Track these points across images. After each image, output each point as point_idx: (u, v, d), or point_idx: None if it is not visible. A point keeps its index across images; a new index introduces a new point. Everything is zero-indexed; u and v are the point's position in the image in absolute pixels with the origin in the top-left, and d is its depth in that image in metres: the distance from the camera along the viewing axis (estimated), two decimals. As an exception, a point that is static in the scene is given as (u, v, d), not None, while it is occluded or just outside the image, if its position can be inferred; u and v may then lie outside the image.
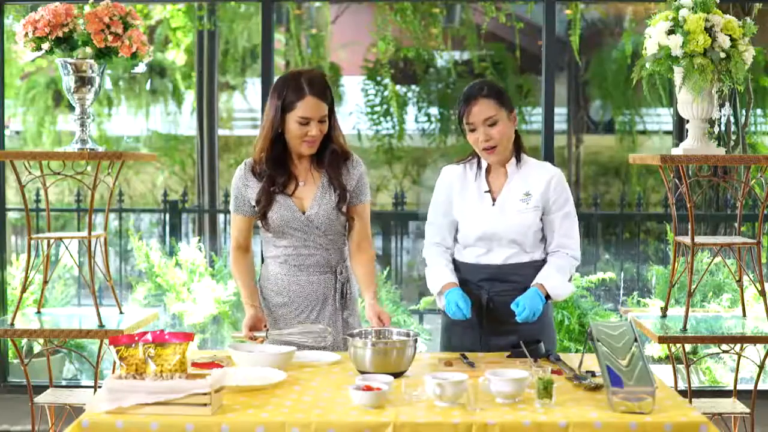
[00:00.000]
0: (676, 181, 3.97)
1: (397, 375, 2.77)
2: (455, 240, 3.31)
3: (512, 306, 3.06)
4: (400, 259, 6.79)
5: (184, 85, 8.44)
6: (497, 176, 3.24)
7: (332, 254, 3.23)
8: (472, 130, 3.14)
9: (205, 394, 2.39)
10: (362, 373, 2.76)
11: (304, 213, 3.17)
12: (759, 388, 3.90)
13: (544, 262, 3.23)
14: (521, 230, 3.17)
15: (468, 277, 3.24)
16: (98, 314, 3.61)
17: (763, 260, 4.59)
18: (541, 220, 3.21)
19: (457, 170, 3.30)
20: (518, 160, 3.22)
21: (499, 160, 3.20)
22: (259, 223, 3.24)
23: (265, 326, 3.17)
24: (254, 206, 3.20)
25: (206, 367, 2.80)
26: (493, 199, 3.21)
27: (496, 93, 3.14)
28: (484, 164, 3.25)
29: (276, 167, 3.18)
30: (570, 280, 3.24)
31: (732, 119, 5.59)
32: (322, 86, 3.13)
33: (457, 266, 3.28)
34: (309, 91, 3.10)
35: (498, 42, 8.39)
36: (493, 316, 3.18)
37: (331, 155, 3.20)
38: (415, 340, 2.85)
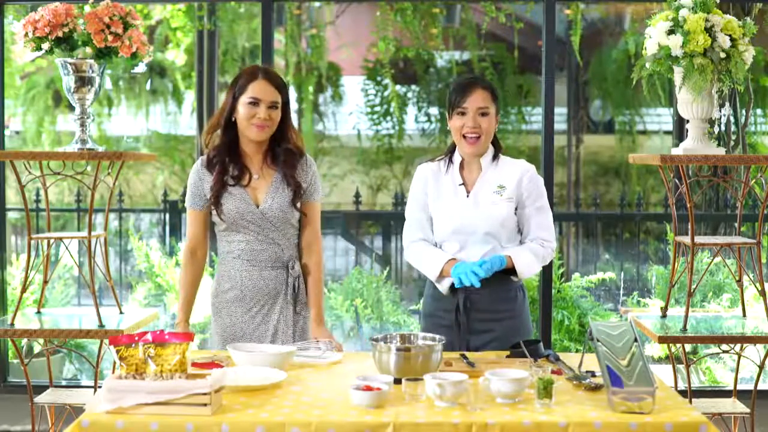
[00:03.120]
0: (676, 181, 3.97)
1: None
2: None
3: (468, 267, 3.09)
4: (400, 259, 6.78)
5: (184, 85, 8.44)
6: (471, 170, 3.30)
7: (285, 250, 3.26)
8: (462, 114, 3.19)
9: (205, 394, 2.39)
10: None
11: (258, 206, 3.21)
12: (759, 388, 3.90)
13: None
14: (496, 222, 3.20)
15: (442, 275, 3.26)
16: (98, 314, 3.61)
17: (763, 260, 4.59)
18: (516, 214, 3.25)
19: (431, 167, 3.35)
20: (494, 157, 3.29)
21: (475, 153, 3.25)
22: (214, 217, 3.25)
23: None
24: (209, 198, 3.23)
25: (206, 367, 2.81)
26: (468, 192, 3.26)
27: (491, 88, 3.24)
28: (457, 160, 3.30)
29: (229, 156, 3.22)
30: (540, 264, 3.26)
31: (732, 119, 5.59)
32: (275, 76, 3.23)
33: None
34: (261, 75, 3.19)
35: (498, 42, 8.39)
36: (471, 315, 3.21)
37: (286, 153, 3.26)
38: (442, 345, 2.80)
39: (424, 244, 3.31)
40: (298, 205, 3.25)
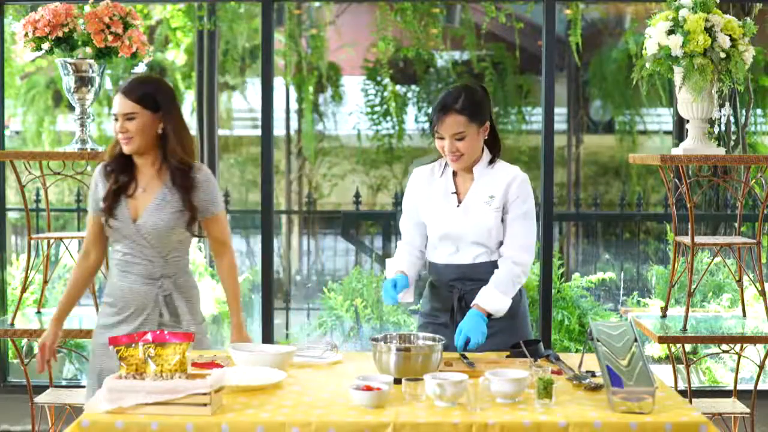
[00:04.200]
0: (676, 181, 3.97)
1: None
2: (427, 239, 3.34)
3: (455, 335, 3.05)
4: (400, 259, 6.78)
5: (184, 85, 8.43)
6: (464, 179, 3.26)
7: (156, 267, 3.15)
8: (440, 138, 3.17)
9: (205, 394, 2.39)
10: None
11: (135, 221, 3.11)
12: (759, 388, 3.90)
13: None
14: (483, 231, 3.18)
15: (439, 277, 3.26)
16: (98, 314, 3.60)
17: (763, 260, 4.59)
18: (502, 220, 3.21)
19: (425, 171, 3.33)
20: (490, 162, 3.23)
21: (463, 167, 3.23)
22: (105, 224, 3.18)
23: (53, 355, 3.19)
24: (101, 206, 3.16)
25: (206, 367, 2.81)
26: (459, 201, 3.24)
27: (469, 108, 3.13)
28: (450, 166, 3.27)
29: (121, 168, 3.13)
30: (514, 289, 3.21)
31: (732, 119, 5.59)
32: (133, 85, 3.08)
33: (431, 267, 3.30)
34: (120, 88, 3.09)
35: (498, 42, 8.39)
36: (466, 313, 3.18)
37: (173, 174, 3.12)
38: (442, 345, 2.81)
39: (400, 249, 3.34)
40: (195, 230, 3.17)
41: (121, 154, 3.13)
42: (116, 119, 3.07)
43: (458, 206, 3.22)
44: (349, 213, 6.48)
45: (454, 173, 3.27)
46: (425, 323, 3.30)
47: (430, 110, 3.33)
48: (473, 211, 3.20)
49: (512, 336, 3.19)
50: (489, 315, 3.13)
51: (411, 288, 3.27)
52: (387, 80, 8.01)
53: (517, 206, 3.19)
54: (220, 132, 8.43)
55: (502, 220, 3.21)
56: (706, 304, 5.38)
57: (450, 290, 3.22)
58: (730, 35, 3.37)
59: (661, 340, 3.42)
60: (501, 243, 3.22)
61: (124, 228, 3.11)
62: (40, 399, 3.81)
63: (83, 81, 3.64)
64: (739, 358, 3.80)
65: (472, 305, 3.14)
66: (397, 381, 2.65)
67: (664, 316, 3.73)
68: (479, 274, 3.19)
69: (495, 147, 3.27)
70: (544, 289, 4.91)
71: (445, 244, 3.23)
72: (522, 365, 2.86)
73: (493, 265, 3.21)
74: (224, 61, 7.94)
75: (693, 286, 3.58)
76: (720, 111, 3.62)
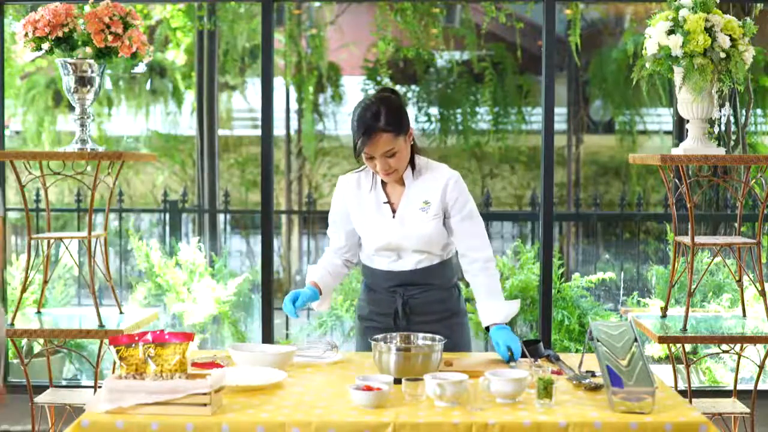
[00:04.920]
0: (676, 181, 3.97)
1: None
2: (360, 246, 3.28)
3: (497, 349, 3.03)
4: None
5: (184, 85, 8.44)
6: (394, 187, 3.18)
7: None
8: (370, 158, 3.06)
9: (205, 394, 2.39)
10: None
11: None
12: (759, 388, 3.90)
13: (453, 258, 3.24)
14: (424, 240, 3.13)
15: (380, 282, 3.21)
16: (98, 314, 3.61)
17: (763, 260, 4.59)
18: (444, 225, 3.16)
19: (351, 181, 3.24)
20: (413, 169, 3.15)
21: (396, 179, 3.15)
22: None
23: None
24: None
25: (206, 367, 2.81)
26: (393, 211, 3.16)
27: (393, 121, 3.02)
28: (378, 176, 3.17)
29: None
30: (499, 285, 3.20)
31: (732, 119, 5.59)
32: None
33: (368, 272, 3.25)
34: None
35: (498, 42, 8.39)
36: (410, 318, 3.16)
37: None
38: (442, 345, 2.81)
39: (324, 257, 3.31)
40: None
41: None
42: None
43: (393, 217, 3.15)
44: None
45: (383, 182, 3.18)
46: (367, 327, 3.23)
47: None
48: (410, 222, 3.13)
49: (457, 334, 3.20)
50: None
51: (326, 297, 3.24)
52: (387, 80, 8.01)
53: (459, 208, 3.14)
54: (220, 132, 8.43)
55: (444, 224, 3.15)
56: (706, 304, 5.38)
57: (392, 295, 3.18)
58: (730, 35, 3.37)
59: (661, 340, 3.42)
60: (444, 245, 3.18)
61: None
62: (40, 399, 3.81)
63: (83, 81, 3.64)
64: (739, 358, 3.80)
65: (484, 326, 3.11)
66: (397, 381, 2.65)
67: (664, 316, 3.73)
68: (422, 279, 3.17)
69: (413, 151, 3.17)
70: (544, 289, 4.90)
71: (384, 254, 3.19)
72: (522, 365, 2.86)
73: (436, 268, 3.17)
74: (224, 61, 7.95)
75: (693, 286, 3.58)
76: (720, 111, 3.62)
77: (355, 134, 3.03)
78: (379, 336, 2.89)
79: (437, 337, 2.88)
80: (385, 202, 3.17)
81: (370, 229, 3.17)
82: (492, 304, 3.12)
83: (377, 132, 2.99)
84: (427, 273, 3.17)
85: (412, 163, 3.15)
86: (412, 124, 3.18)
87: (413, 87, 8.60)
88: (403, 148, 3.06)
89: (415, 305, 3.17)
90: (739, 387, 4.11)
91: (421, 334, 2.95)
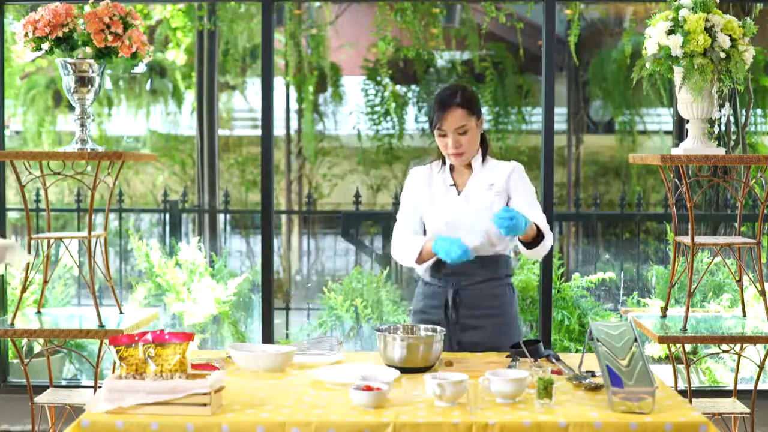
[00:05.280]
0: (676, 181, 3.96)
1: (425, 369, 2.84)
2: (424, 234, 3.36)
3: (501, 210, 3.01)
4: (400, 259, 6.78)
5: (184, 85, 8.44)
6: (462, 173, 3.33)
7: None
8: (443, 136, 3.24)
9: (205, 394, 2.39)
10: (390, 367, 2.82)
11: None
12: (759, 388, 3.90)
13: (510, 256, 3.33)
14: (484, 216, 3.19)
15: (433, 272, 3.29)
16: (98, 314, 3.61)
17: (763, 260, 4.59)
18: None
19: (423, 170, 3.40)
20: (483, 159, 3.32)
21: (463, 163, 3.30)
22: None
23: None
24: None
25: (201, 369, 2.80)
26: (458, 191, 3.30)
27: (468, 101, 3.23)
28: (448, 163, 3.33)
29: None
30: (549, 245, 3.23)
31: (732, 119, 5.59)
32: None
33: (425, 265, 3.32)
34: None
35: (498, 42, 8.39)
36: (460, 311, 3.23)
37: None
38: (443, 336, 2.92)
39: (407, 235, 3.34)
40: None
41: None
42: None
43: (459, 195, 3.29)
44: (349, 213, 6.47)
45: (452, 169, 3.33)
46: (419, 321, 3.31)
47: (425, 111, 3.35)
48: (474, 198, 3.26)
49: (504, 333, 3.24)
50: (534, 241, 3.13)
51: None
52: (387, 80, 8.01)
53: (521, 192, 3.27)
54: (220, 132, 8.44)
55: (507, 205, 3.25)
56: (706, 304, 5.37)
57: (444, 285, 3.25)
58: (730, 35, 3.37)
59: (661, 340, 3.42)
60: (503, 236, 3.21)
61: None
62: (40, 399, 3.81)
63: (83, 81, 3.64)
64: (739, 358, 3.80)
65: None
66: (403, 370, 2.74)
67: (664, 316, 3.73)
68: (474, 269, 3.21)
69: (485, 146, 3.35)
70: (544, 289, 4.90)
71: (446, 234, 3.23)
72: (522, 365, 2.86)
73: (488, 260, 3.24)
74: (224, 61, 7.95)
75: (693, 286, 3.58)
76: (720, 111, 3.62)
77: (432, 111, 3.24)
78: (383, 327, 3.00)
79: (438, 328, 2.99)
80: (451, 185, 3.31)
81: (436, 207, 3.29)
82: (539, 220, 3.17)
83: (452, 106, 3.20)
84: (482, 263, 3.22)
85: (482, 152, 3.32)
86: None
87: (413, 87, 8.60)
88: (474, 130, 3.25)
89: (465, 296, 3.23)
90: (739, 387, 4.11)
91: (422, 326, 3.05)
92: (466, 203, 3.27)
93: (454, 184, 3.32)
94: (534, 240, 3.14)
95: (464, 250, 3.08)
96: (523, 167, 3.35)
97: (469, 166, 3.32)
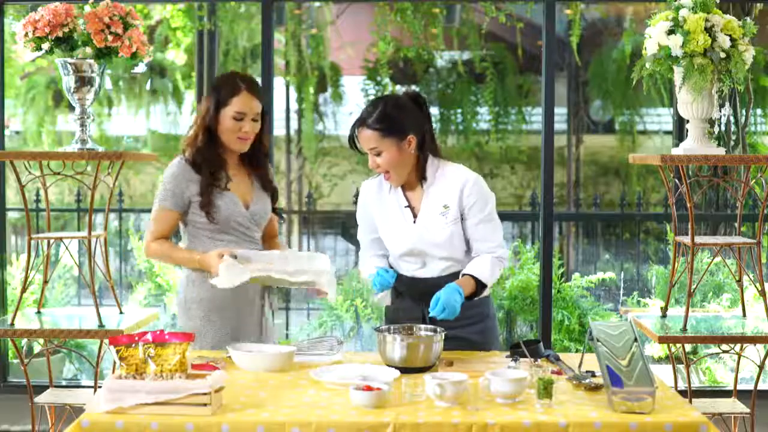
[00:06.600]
0: (676, 181, 3.97)
1: (425, 369, 2.82)
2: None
3: (432, 302, 2.98)
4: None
5: (184, 85, 8.44)
6: (413, 188, 3.18)
7: None
8: (364, 154, 3.15)
9: (205, 394, 2.39)
10: (390, 367, 2.81)
11: (247, 208, 3.27)
12: (759, 388, 3.90)
13: None
14: (446, 245, 3.13)
15: (407, 290, 3.21)
16: (98, 314, 3.61)
17: (763, 260, 4.59)
18: (462, 227, 3.15)
19: (372, 186, 3.27)
20: (424, 177, 3.13)
21: (399, 183, 3.15)
22: (202, 217, 3.23)
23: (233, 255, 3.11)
24: (192, 201, 3.23)
25: (201, 369, 2.80)
26: (414, 215, 3.16)
27: (381, 123, 3.04)
28: None
29: (212, 162, 3.23)
30: (499, 270, 3.16)
31: (732, 119, 5.59)
32: (257, 85, 3.27)
33: (397, 278, 3.22)
34: (245, 87, 3.20)
35: (498, 42, 8.39)
36: (437, 323, 3.10)
37: (263, 156, 3.35)
38: (443, 336, 2.89)
39: (371, 256, 3.29)
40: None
41: (206, 148, 3.22)
42: (240, 119, 3.20)
43: (414, 222, 3.15)
44: (350, 213, 6.48)
45: (404, 186, 3.19)
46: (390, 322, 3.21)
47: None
48: (432, 228, 3.12)
49: (484, 339, 3.20)
50: (476, 291, 3.07)
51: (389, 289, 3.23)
52: (387, 80, 8.00)
53: (476, 212, 3.12)
54: (220, 132, 8.41)
55: (463, 226, 3.14)
56: (706, 304, 5.38)
57: (419, 304, 3.11)
58: (730, 35, 3.37)
59: (661, 340, 3.42)
60: (467, 251, 3.18)
61: (238, 215, 3.24)
62: (40, 399, 3.81)
63: (83, 81, 3.63)
64: (739, 358, 3.79)
65: (461, 276, 3.07)
66: (403, 370, 2.72)
67: (664, 316, 3.73)
68: None
69: (434, 152, 3.17)
70: (544, 289, 4.90)
71: (409, 260, 3.19)
72: (522, 365, 2.86)
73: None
74: (224, 61, 7.94)
75: (693, 286, 3.58)
76: (720, 111, 3.62)
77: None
78: (383, 327, 2.97)
79: (438, 328, 2.94)
80: (406, 207, 3.17)
81: (393, 235, 3.18)
82: (475, 263, 3.09)
83: (362, 127, 3.10)
84: (454, 279, 3.11)
85: (422, 171, 3.14)
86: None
87: (413, 87, 8.60)
88: (394, 152, 3.07)
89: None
90: (739, 387, 4.11)
91: (423, 326, 3.00)
92: (425, 232, 3.12)
93: (409, 206, 3.16)
94: (475, 292, 3.08)
95: (387, 284, 3.10)
96: (478, 177, 3.17)
97: (418, 181, 3.15)
